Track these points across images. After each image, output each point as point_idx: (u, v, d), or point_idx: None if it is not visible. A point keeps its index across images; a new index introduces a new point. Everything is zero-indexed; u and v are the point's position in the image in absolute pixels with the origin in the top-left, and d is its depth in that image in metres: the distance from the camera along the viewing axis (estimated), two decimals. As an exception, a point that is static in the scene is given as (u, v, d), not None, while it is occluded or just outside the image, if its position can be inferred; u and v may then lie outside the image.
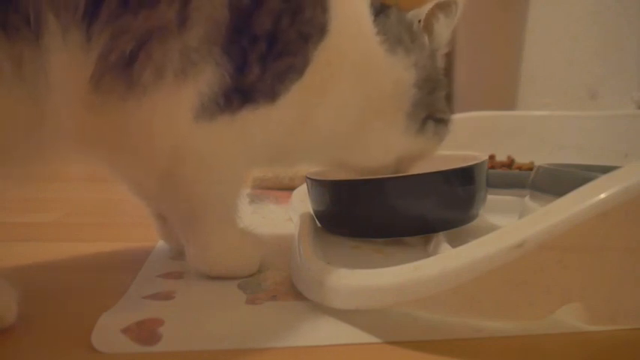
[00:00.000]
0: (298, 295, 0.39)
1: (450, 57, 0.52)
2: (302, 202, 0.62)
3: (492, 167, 0.84)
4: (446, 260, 0.32)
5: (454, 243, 0.44)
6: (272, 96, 0.40)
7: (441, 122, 0.51)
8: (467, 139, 0.93)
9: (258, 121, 0.40)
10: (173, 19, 0.34)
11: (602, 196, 0.29)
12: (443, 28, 0.50)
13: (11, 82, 0.30)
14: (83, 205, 0.79)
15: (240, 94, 0.39)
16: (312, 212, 0.55)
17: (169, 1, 0.34)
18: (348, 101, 0.45)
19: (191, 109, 0.37)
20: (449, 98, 0.54)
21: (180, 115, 0.37)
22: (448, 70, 0.53)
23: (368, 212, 0.49)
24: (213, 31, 0.36)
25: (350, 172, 0.53)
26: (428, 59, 0.49)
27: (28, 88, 0.31)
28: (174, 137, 0.38)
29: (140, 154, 0.38)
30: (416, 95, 0.48)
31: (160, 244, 0.52)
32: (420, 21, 0.49)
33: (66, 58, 0.32)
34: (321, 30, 0.42)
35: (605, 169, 0.34)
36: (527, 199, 0.56)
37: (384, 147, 0.50)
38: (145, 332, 0.33)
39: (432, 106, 0.50)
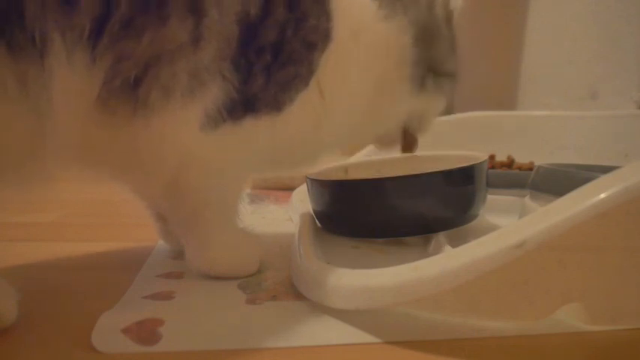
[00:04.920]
0: (298, 295, 0.39)
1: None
2: (302, 202, 0.62)
3: (492, 167, 0.84)
4: (446, 260, 0.32)
5: (454, 243, 0.44)
6: (276, 106, 0.40)
7: (443, 76, 0.50)
8: (467, 139, 0.93)
9: (263, 129, 0.41)
10: (186, 40, 0.34)
11: (602, 196, 0.29)
12: None
13: (15, 99, 0.30)
14: (83, 205, 0.79)
15: (242, 104, 0.39)
16: (312, 212, 0.55)
17: (181, 19, 0.34)
18: (358, 95, 0.45)
19: (197, 122, 0.38)
20: (453, 49, 0.52)
21: (187, 128, 0.38)
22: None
23: (368, 212, 0.49)
24: (223, 48, 0.36)
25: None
26: (424, 11, 0.48)
27: (31, 105, 0.31)
28: (181, 149, 0.38)
29: (146, 168, 0.39)
30: (415, 54, 0.46)
31: (160, 244, 0.52)
32: None
33: (71, 78, 0.32)
34: (326, 37, 0.42)
35: (605, 169, 0.34)
36: (527, 199, 0.56)
37: (392, 115, 0.50)
38: (145, 332, 0.33)
39: (434, 57, 0.48)
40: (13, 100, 0.30)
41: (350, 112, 0.46)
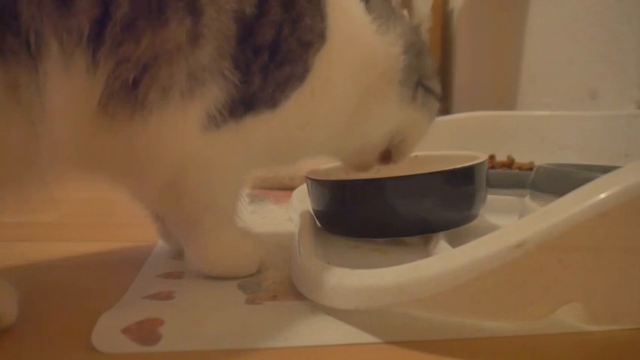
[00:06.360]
0: (298, 295, 0.39)
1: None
2: (302, 202, 0.62)
3: (492, 167, 0.84)
4: (446, 260, 0.32)
5: (454, 243, 0.45)
6: (273, 104, 0.40)
7: (429, 92, 0.51)
8: (467, 139, 0.93)
9: (260, 127, 0.41)
10: (184, 40, 0.34)
11: (602, 196, 0.29)
12: (421, 4, 0.50)
13: (5, 106, 0.30)
14: (83, 205, 0.79)
15: (242, 103, 0.39)
16: (312, 212, 0.55)
17: (180, 19, 0.34)
18: (348, 96, 0.45)
19: (198, 123, 0.38)
20: (439, 78, 0.54)
21: (187, 129, 0.37)
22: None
23: (368, 212, 0.49)
24: (223, 46, 0.36)
25: (340, 158, 0.55)
26: (410, 30, 0.49)
27: (23, 111, 0.30)
28: (180, 150, 0.38)
29: (144, 171, 0.38)
30: (405, 60, 0.47)
31: (160, 244, 0.52)
32: None
33: (68, 83, 0.32)
34: (321, 36, 0.42)
35: (605, 169, 0.34)
36: (527, 199, 0.56)
37: (380, 122, 0.50)
38: (145, 332, 0.33)
39: (421, 69, 0.50)
40: (1, 108, 0.30)
41: (335, 115, 0.46)
